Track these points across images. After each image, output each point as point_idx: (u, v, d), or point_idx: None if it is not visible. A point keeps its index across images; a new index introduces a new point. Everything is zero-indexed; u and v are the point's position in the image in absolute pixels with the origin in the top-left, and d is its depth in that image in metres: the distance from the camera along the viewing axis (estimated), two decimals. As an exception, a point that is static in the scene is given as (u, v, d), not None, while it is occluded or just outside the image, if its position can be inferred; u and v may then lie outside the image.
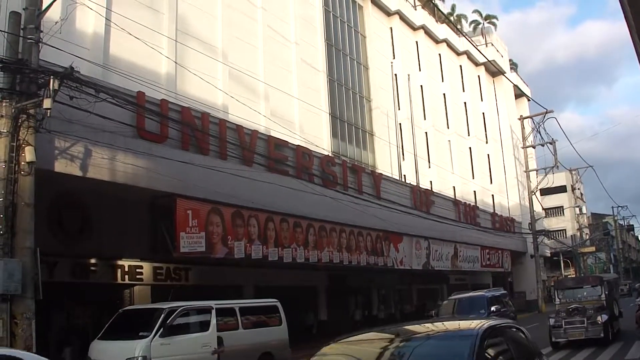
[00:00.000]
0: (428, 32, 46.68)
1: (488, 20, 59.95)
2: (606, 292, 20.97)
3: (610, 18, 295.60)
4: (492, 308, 20.55)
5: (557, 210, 77.65)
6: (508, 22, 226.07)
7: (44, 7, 12.09)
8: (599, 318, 18.94)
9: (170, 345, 13.32)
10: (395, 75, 40.66)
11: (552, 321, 19.64)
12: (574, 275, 58.14)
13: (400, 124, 39.72)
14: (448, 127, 47.24)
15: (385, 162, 36.97)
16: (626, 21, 9.44)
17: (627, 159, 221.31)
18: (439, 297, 39.96)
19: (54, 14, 13.47)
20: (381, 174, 29.58)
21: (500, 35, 61.85)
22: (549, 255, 61.01)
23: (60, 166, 13.60)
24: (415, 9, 45.53)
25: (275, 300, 17.39)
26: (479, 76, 54.49)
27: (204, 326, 14.43)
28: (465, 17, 58.33)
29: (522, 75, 68.44)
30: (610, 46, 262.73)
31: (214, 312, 14.65)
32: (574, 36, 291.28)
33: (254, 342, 15.56)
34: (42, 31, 12.07)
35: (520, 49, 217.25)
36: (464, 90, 51.15)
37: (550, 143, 42.99)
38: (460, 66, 51.62)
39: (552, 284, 23.01)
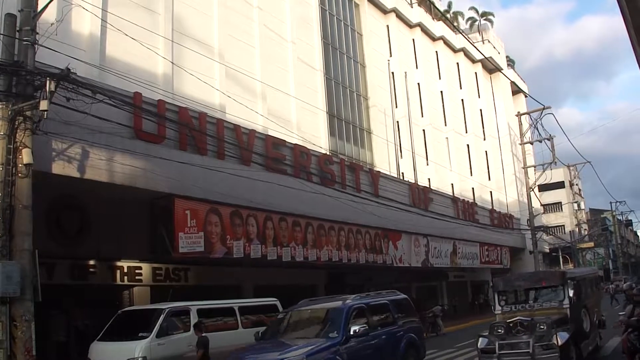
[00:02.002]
0: (425, 30, 46.67)
1: (485, 17, 59.99)
2: (573, 297, 14.40)
3: (608, 13, 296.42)
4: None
5: (556, 206, 77.73)
6: (506, 18, 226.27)
7: (39, 8, 12.05)
8: (555, 338, 12.88)
9: (165, 345, 13.40)
10: (393, 73, 40.66)
11: (481, 342, 13.74)
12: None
13: (397, 121, 39.75)
14: (446, 125, 47.25)
15: (383, 160, 36.98)
16: (623, 17, 9.42)
17: (626, 154, 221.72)
18: (438, 294, 40.02)
19: (50, 15, 13.42)
20: (379, 171, 29.58)
21: (499, 31, 61.97)
22: (547, 251, 61.04)
23: (58, 168, 13.58)
24: (412, 7, 45.51)
25: (275, 299, 17.41)
26: (476, 73, 54.51)
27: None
28: (461, 14, 58.36)
29: (521, 72, 68.58)
30: (609, 41, 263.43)
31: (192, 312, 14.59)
32: (572, 31, 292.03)
33: (254, 342, 15.47)
34: (38, 33, 12.03)
35: (519, 45, 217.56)
36: (461, 88, 51.17)
37: (548, 139, 42.87)
38: (457, 63, 51.62)
39: (491, 284, 16.18)
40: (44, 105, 11.30)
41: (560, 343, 12.88)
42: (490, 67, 54.48)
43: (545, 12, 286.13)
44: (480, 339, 13.93)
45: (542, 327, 13.28)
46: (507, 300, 15.43)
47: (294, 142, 22.95)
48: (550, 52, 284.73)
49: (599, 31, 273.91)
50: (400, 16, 43.64)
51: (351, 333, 11.82)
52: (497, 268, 44.29)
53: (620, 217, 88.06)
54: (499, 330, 13.75)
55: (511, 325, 13.63)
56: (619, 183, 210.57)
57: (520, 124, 44.78)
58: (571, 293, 14.47)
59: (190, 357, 13.29)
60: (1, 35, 11.71)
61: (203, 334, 13.09)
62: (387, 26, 42.69)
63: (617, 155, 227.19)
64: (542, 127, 48.28)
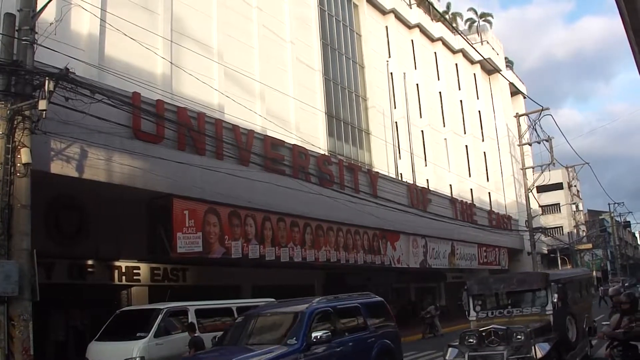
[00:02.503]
0: (423, 31, 46.69)
1: (483, 18, 60.08)
2: (557, 301, 13.09)
3: (608, 13, 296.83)
4: (316, 335, 10.83)
5: (554, 208, 77.81)
6: (506, 18, 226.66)
7: (38, 8, 12.06)
8: (534, 350, 11.56)
9: (163, 345, 13.43)
10: (391, 73, 40.69)
11: (450, 354, 12.50)
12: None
13: (396, 122, 39.76)
14: (444, 125, 47.27)
15: (381, 161, 36.99)
16: (621, 18, 9.44)
17: (625, 155, 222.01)
18: (436, 295, 40.02)
19: (49, 15, 13.43)
20: (378, 172, 29.60)
21: (498, 32, 62.02)
22: (546, 252, 61.05)
23: (57, 167, 13.59)
24: (411, 8, 45.53)
25: (273, 299, 17.41)
26: (474, 74, 54.53)
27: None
28: (460, 15, 58.48)
29: (520, 72, 68.71)
30: (608, 42, 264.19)
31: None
32: (572, 32, 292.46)
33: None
34: (37, 32, 12.04)
35: (519, 46, 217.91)
36: (459, 89, 51.19)
37: (547, 140, 42.93)
38: (456, 64, 51.65)
39: (465, 287, 14.58)
40: (42, 104, 11.31)
41: (540, 355, 11.48)
42: (489, 68, 54.51)
43: (545, 12, 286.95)
44: (450, 349, 12.58)
45: (519, 336, 11.77)
46: (484, 305, 13.97)
47: (292, 143, 22.97)
48: (549, 52, 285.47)
49: (599, 32, 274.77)
50: (399, 17, 43.66)
51: (312, 339, 10.78)
52: (495, 269, 44.32)
53: (618, 219, 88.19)
54: (471, 340, 12.31)
55: (484, 334, 12.08)
56: (617, 184, 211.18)
57: (519, 125, 44.82)
58: (555, 297, 13.01)
59: None
60: (0, 35, 11.72)
61: (196, 334, 13.06)
62: (386, 27, 42.71)
63: (616, 156, 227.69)
64: (541, 128, 48.42)
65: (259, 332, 11.79)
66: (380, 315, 13.83)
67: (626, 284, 55.30)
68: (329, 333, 11.11)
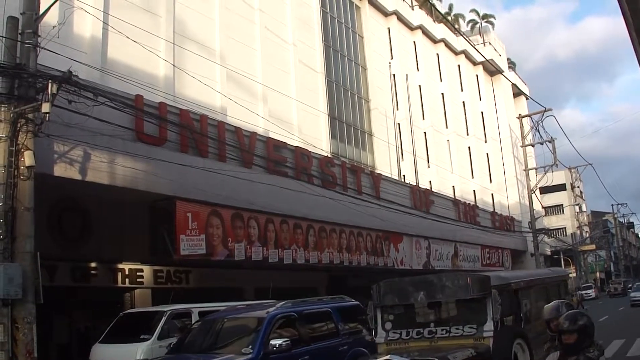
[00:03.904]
0: (426, 32, 46.70)
1: (485, 20, 60.06)
2: (497, 318, 9.58)
3: (611, 14, 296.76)
4: (275, 343, 10.00)
5: (557, 209, 77.78)
6: (509, 19, 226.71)
7: (41, 11, 12.08)
8: None
9: (166, 347, 13.41)
10: (394, 75, 40.68)
11: None
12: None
13: (398, 124, 39.75)
14: (447, 127, 47.25)
15: (384, 163, 36.97)
16: (624, 19, 9.45)
17: (628, 156, 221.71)
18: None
19: (52, 18, 13.45)
20: (380, 174, 29.57)
21: (501, 33, 62.06)
22: (549, 253, 60.99)
23: (60, 170, 13.60)
24: (413, 9, 45.54)
25: (275, 301, 17.39)
26: (477, 75, 54.53)
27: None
28: (462, 16, 58.45)
29: (523, 72, 68.75)
30: (612, 42, 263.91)
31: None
32: (575, 33, 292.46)
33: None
34: (39, 35, 12.06)
35: (522, 46, 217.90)
36: (462, 90, 51.18)
37: (549, 141, 42.99)
38: (459, 66, 51.65)
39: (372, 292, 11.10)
40: (45, 107, 11.33)
41: None
42: (492, 70, 54.48)
43: (548, 13, 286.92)
44: None
45: None
46: (397, 322, 10.47)
47: (295, 145, 22.96)
48: (552, 53, 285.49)
49: (602, 32, 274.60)
50: (401, 19, 43.67)
51: (271, 348, 9.89)
52: (498, 271, 44.33)
53: (621, 220, 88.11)
54: None
55: None
56: (621, 185, 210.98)
57: (522, 126, 44.87)
58: (496, 313, 9.43)
59: None
60: (3, 38, 11.74)
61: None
62: (388, 28, 42.71)
63: (619, 157, 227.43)
64: (544, 129, 48.36)
65: (216, 339, 11.09)
66: (355, 321, 12.66)
67: (625, 285, 55.37)
68: (289, 341, 10.21)
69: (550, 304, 6.59)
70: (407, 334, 10.11)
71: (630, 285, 55.60)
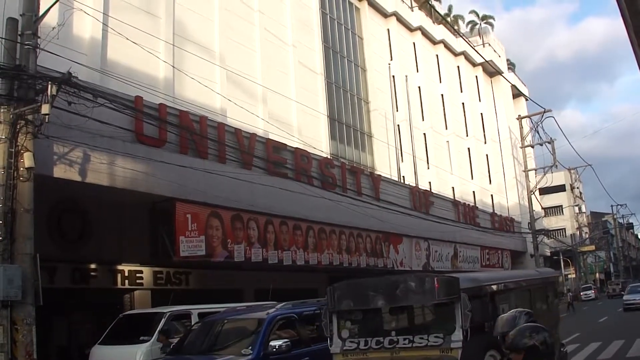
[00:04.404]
0: (425, 33, 46.73)
1: (485, 21, 60.16)
2: (466, 327, 8.39)
3: (611, 14, 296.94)
4: (275, 344, 10.02)
5: (557, 210, 77.80)
6: (509, 20, 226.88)
7: (41, 12, 12.08)
8: None
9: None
10: (393, 76, 40.70)
11: None
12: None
13: (398, 125, 39.77)
14: (446, 128, 47.28)
15: (384, 164, 36.98)
16: (623, 20, 9.45)
17: (628, 157, 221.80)
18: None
19: (51, 19, 13.45)
20: (380, 175, 29.57)
21: (501, 33, 62.26)
22: (548, 254, 61.00)
23: (59, 171, 13.59)
24: (412, 10, 45.57)
25: (275, 302, 17.38)
26: (476, 77, 54.56)
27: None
28: (462, 17, 58.52)
29: (524, 73, 68.90)
30: (612, 43, 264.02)
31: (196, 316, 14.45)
32: (575, 33, 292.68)
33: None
34: (39, 37, 12.06)
35: (522, 47, 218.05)
36: (461, 91, 51.21)
37: (549, 142, 43.01)
38: (458, 67, 51.67)
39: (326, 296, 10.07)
40: (45, 109, 11.32)
41: None
42: (491, 71, 54.51)
43: (548, 13, 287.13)
44: None
45: None
46: (357, 330, 9.43)
47: (294, 146, 22.97)
48: (552, 53, 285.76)
49: (602, 33, 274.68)
50: (400, 20, 43.70)
51: (271, 349, 9.81)
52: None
53: (621, 220, 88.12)
54: None
55: None
56: (620, 186, 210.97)
57: (521, 127, 44.88)
58: (466, 320, 8.25)
59: None
60: (3, 39, 11.74)
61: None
62: (388, 30, 42.74)
63: (619, 157, 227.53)
64: (543, 130, 48.47)
65: (215, 340, 11.08)
66: None
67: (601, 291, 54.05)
68: (289, 342, 10.16)
69: (507, 313, 5.99)
70: (365, 343, 8.97)
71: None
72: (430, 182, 41.50)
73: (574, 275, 72.22)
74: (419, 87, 44.38)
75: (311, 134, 30.19)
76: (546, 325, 10.01)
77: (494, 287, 9.78)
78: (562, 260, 65.35)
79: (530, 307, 10.43)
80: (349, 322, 9.52)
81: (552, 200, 73.50)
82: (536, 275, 12.91)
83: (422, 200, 31.75)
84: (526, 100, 64.45)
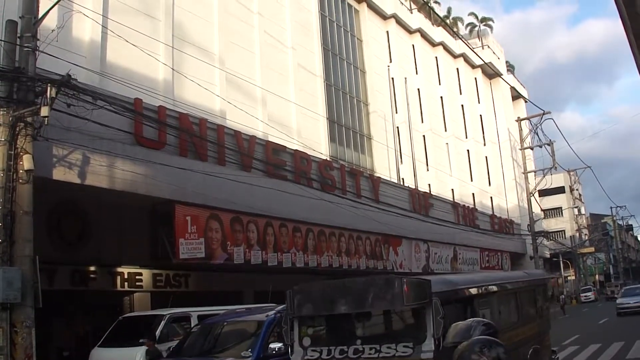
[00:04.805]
0: (424, 36, 46.78)
1: (484, 23, 60.18)
2: (440, 334, 7.19)
3: (610, 16, 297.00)
4: (275, 346, 9.91)
5: (556, 211, 77.80)
6: (509, 22, 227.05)
7: (40, 15, 12.08)
8: None
9: (166, 351, 13.38)
10: (392, 78, 40.70)
11: None
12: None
13: (397, 127, 39.78)
14: (446, 130, 47.31)
15: (383, 166, 37.00)
16: (622, 22, 9.46)
17: (628, 158, 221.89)
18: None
19: (51, 22, 13.46)
20: (379, 177, 29.57)
21: (501, 35, 62.34)
22: (548, 256, 60.99)
23: (59, 174, 13.59)
24: (411, 13, 45.61)
25: (275, 304, 17.38)
26: (475, 78, 54.59)
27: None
28: (461, 19, 58.53)
29: (523, 75, 69.00)
30: (611, 44, 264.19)
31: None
32: (575, 35, 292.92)
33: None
34: (38, 39, 12.05)
35: (522, 49, 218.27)
36: (461, 93, 51.25)
37: (548, 144, 42.99)
38: (457, 69, 51.72)
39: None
40: (44, 111, 11.31)
41: None
42: (490, 73, 54.57)
43: (548, 15, 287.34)
44: None
45: None
46: (317, 337, 8.69)
47: (294, 148, 22.98)
48: (552, 55, 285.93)
49: (601, 34, 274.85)
50: (400, 22, 43.75)
51: (269, 352, 9.66)
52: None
53: (620, 222, 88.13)
54: None
55: None
56: (620, 187, 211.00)
57: (520, 129, 44.87)
58: (438, 328, 7.32)
59: None
60: (2, 42, 11.74)
61: (155, 345, 12.75)
62: (387, 32, 42.79)
63: (619, 159, 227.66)
64: (542, 132, 48.38)
65: (215, 342, 11.05)
66: None
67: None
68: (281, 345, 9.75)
69: (462, 322, 5.52)
70: (328, 352, 8.13)
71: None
72: (429, 184, 41.52)
73: (573, 277, 72.22)
74: (418, 89, 44.41)
75: (310, 136, 30.21)
76: (536, 332, 10.07)
77: (473, 290, 8.74)
78: (561, 262, 65.37)
79: (517, 312, 10.31)
80: (311, 329, 8.65)
81: (551, 202, 73.47)
82: (524, 277, 11.62)
83: (421, 202, 31.75)
84: (525, 102, 64.52)
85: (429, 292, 7.49)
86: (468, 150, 50.33)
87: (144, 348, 13.10)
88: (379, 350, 7.73)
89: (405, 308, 7.89)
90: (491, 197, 51.56)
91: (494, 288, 9.45)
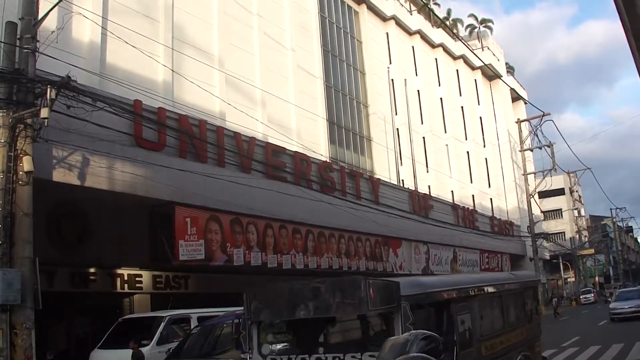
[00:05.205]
0: (424, 37, 46.81)
1: (484, 24, 60.21)
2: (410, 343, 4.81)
3: (610, 18, 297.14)
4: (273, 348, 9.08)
5: (556, 213, 77.80)
6: (509, 23, 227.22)
7: (40, 16, 12.08)
8: None
9: (165, 353, 13.41)
10: (392, 80, 40.73)
11: None
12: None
13: (397, 129, 39.79)
14: (445, 132, 47.32)
15: (383, 167, 36.99)
16: (622, 24, 9.46)
17: (628, 160, 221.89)
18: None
19: (50, 23, 13.45)
20: (379, 179, 29.56)
21: (501, 36, 62.45)
22: (548, 258, 61.01)
23: (58, 175, 13.59)
24: (411, 14, 45.65)
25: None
26: (475, 80, 54.62)
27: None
28: (461, 21, 58.60)
29: (523, 76, 69.08)
30: (611, 46, 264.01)
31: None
32: (575, 36, 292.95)
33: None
34: (38, 41, 12.05)
35: (522, 50, 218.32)
36: (460, 95, 51.26)
37: (548, 146, 42.99)
38: (457, 70, 51.74)
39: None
40: (44, 113, 11.32)
41: None
42: (490, 74, 54.59)
43: (548, 16, 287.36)
44: None
45: None
46: (277, 344, 8.16)
47: (294, 150, 22.96)
48: (552, 56, 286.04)
49: (602, 36, 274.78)
50: (399, 23, 43.77)
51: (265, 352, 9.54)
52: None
53: (620, 224, 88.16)
54: None
55: None
56: (620, 189, 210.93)
57: (520, 131, 44.88)
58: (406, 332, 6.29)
59: None
60: (2, 43, 11.74)
61: (139, 349, 12.77)
62: (387, 33, 42.81)
63: (619, 161, 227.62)
64: (542, 133, 48.41)
65: (215, 344, 10.96)
66: None
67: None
68: (288, 345, 9.44)
69: (399, 337, 5.03)
70: None
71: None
72: (429, 186, 41.51)
73: (573, 279, 72.22)
74: (418, 91, 44.43)
75: (310, 137, 30.20)
76: (525, 338, 9.45)
77: (449, 293, 7.89)
78: (561, 264, 65.37)
79: (502, 316, 9.64)
80: (270, 335, 8.05)
81: (551, 203, 73.46)
82: (511, 279, 10.78)
83: (421, 203, 31.75)
84: (525, 103, 64.49)
85: (397, 296, 6.87)
86: (468, 152, 50.34)
87: (143, 350, 13.11)
88: (343, 359, 7.17)
89: (370, 313, 7.25)
90: (491, 199, 51.56)
91: (475, 291, 8.70)
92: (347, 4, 38.66)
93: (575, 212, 79.27)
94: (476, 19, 60.13)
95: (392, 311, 6.82)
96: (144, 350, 13.09)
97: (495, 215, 46.85)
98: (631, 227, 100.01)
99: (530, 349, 10.48)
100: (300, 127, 29.97)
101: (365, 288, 6.84)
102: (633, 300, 30.50)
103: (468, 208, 39.71)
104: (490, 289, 9.33)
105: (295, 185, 21.10)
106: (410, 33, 45.36)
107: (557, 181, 65.59)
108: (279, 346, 7.96)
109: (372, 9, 40.97)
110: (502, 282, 10.20)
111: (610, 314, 30.94)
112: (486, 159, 53.29)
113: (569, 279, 71.95)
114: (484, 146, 53.39)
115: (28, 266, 11.46)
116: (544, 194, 56.30)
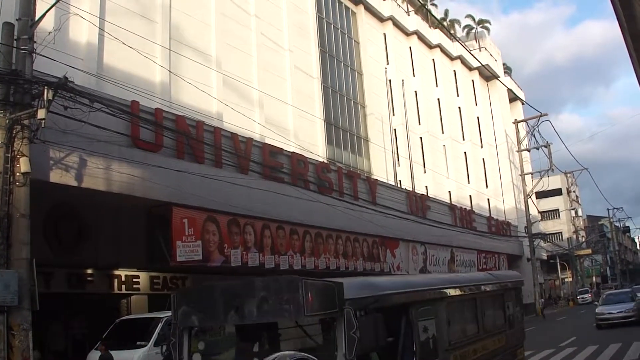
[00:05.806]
0: (421, 38, 46.82)
1: (481, 25, 60.19)
2: (353, 354, 5.77)
3: (608, 18, 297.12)
4: None
5: (553, 213, 77.89)
6: (507, 23, 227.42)
7: (37, 17, 12.07)
8: None
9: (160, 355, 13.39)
10: (389, 81, 40.76)
11: None
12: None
13: (395, 129, 39.80)
14: (443, 132, 47.33)
15: (380, 168, 37.00)
16: (619, 24, 9.49)
17: (625, 160, 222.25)
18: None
19: (47, 24, 13.44)
20: (376, 179, 29.59)
21: (499, 37, 62.50)
22: (545, 258, 61.06)
23: (55, 176, 13.57)
24: (409, 15, 45.66)
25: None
26: (472, 81, 54.65)
27: None
28: (458, 22, 58.58)
29: (521, 77, 69.12)
30: (609, 46, 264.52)
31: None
32: (572, 36, 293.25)
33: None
34: (35, 42, 12.04)
35: (520, 50, 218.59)
36: (458, 95, 51.28)
37: (545, 146, 43.14)
38: (454, 71, 51.76)
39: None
40: (41, 113, 11.31)
41: None
42: (487, 75, 54.61)
43: (546, 17, 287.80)
44: None
45: None
46: (208, 352, 7.30)
47: (291, 150, 22.96)
48: (550, 57, 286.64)
49: (599, 36, 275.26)
50: (397, 24, 43.77)
51: None
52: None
53: (617, 224, 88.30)
54: None
55: None
56: (617, 189, 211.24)
57: (518, 132, 45.03)
58: (351, 344, 5.84)
59: None
60: (-1, 44, 11.73)
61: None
62: (384, 34, 42.81)
63: (616, 161, 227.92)
64: (539, 134, 48.56)
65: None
66: None
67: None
68: None
69: (271, 357, 4.34)
70: None
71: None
72: (426, 186, 41.54)
73: (570, 279, 72.32)
74: (416, 91, 44.45)
75: (308, 138, 30.20)
76: (505, 345, 8.55)
77: (406, 296, 6.99)
78: (558, 264, 65.45)
79: (477, 321, 8.73)
80: (202, 343, 7.12)
81: (548, 204, 73.62)
82: (488, 280, 9.68)
83: (418, 204, 31.78)
84: (523, 104, 64.63)
85: (339, 299, 6.02)
86: (465, 153, 50.35)
87: (141, 350, 13.13)
88: None
89: (307, 319, 6.43)
90: (488, 199, 51.59)
91: (441, 293, 7.76)
92: (345, 5, 38.67)
93: (573, 212, 79.42)
94: (473, 19, 60.15)
95: (334, 317, 6.01)
96: (141, 351, 13.07)
97: (492, 215, 46.88)
98: (628, 227, 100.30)
99: (513, 356, 9.77)
100: (297, 127, 29.97)
101: (303, 290, 5.86)
102: (622, 304, 27.01)
103: (465, 208, 39.76)
104: (461, 291, 8.44)
105: (293, 186, 21.10)
106: (407, 34, 45.37)
107: (554, 181, 65.77)
108: (213, 357, 7.25)
109: (370, 10, 40.97)
110: (476, 282, 9.28)
111: (597, 320, 27.19)
112: (483, 159, 53.31)
113: (566, 279, 72.04)
114: (482, 147, 53.42)
115: (25, 267, 11.45)
116: (541, 194, 56.51)
